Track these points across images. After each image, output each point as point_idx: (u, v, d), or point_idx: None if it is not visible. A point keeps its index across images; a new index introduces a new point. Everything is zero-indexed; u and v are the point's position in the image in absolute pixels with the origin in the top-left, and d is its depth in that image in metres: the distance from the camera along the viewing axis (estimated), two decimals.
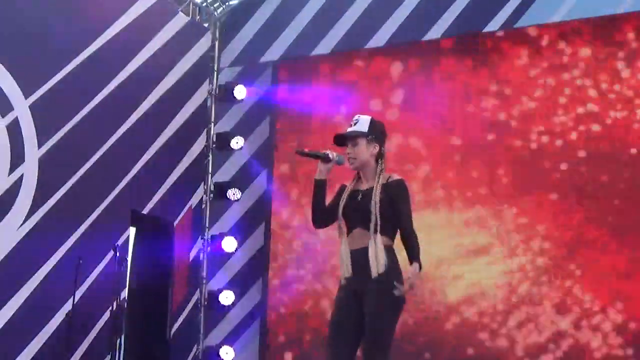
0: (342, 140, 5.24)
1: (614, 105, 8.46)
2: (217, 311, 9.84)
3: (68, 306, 7.66)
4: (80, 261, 7.71)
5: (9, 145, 7.63)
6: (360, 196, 5.15)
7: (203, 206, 10.06)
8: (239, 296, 9.85)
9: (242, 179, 10.10)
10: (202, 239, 9.98)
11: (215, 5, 10.33)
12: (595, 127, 8.51)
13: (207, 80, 10.20)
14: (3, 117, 7.61)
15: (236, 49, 10.17)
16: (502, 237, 8.69)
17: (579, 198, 8.49)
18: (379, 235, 5.02)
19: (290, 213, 9.73)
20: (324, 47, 9.58)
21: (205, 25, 10.28)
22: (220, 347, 9.73)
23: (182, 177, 9.66)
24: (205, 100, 10.16)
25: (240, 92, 10.09)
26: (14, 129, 7.69)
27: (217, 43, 10.27)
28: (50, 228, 7.93)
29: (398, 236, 5.07)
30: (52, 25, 8.08)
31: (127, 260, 8.68)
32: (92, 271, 8.32)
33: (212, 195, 10.07)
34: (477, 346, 8.67)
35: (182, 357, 9.56)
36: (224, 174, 10.16)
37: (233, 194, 9.92)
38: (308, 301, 9.47)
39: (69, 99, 8.24)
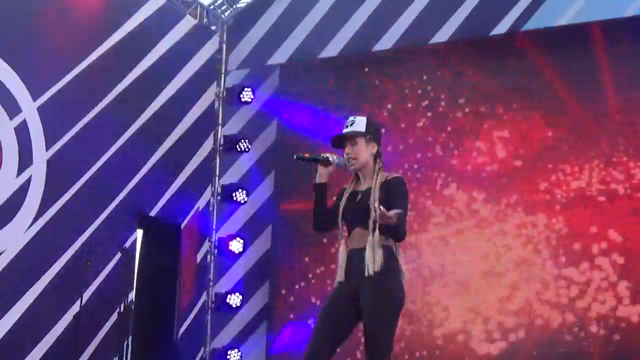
0: (339, 141, 5.26)
1: None
2: (224, 313, 9.84)
3: (76, 308, 7.66)
4: (88, 263, 7.73)
5: (17, 147, 7.65)
6: (359, 196, 5.16)
7: (210, 208, 10.05)
8: (246, 298, 9.86)
9: (249, 181, 10.12)
10: (209, 241, 9.98)
11: (222, 8, 10.33)
12: None
13: (215, 82, 10.20)
14: (11, 119, 7.63)
15: (243, 52, 10.17)
16: None
17: None
18: (377, 233, 5.01)
19: None
20: (331, 50, 9.57)
21: (213, 28, 10.29)
22: (227, 349, 9.74)
23: (190, 179, 9.66)
24: (213, 103, 10.16)
25: (247, 94, 10.11)
26: (22, 131, 7.71)
27: (224, 46, 10.26)
28: (58, 230, 7.95)
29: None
30: (60, 27, 8.10)
31: (134, 263, 8.70)
32: (100, 273, 8.34)
33: (219, 197, 10.07)
34: None
35: (189, 359, 9.57)
36: (231, 176, 10.16)
37: (240, 196, 9.93)
38: (316, 303, 9.48)
39: (77, 101, 8.26)
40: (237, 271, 10.01)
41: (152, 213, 9.15)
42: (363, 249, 5.03)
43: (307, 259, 9.72)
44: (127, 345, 8.18)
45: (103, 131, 8.53)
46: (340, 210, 5.19)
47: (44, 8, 8.01)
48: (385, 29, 9.27)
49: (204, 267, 9.91)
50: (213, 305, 9.86)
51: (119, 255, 8.22)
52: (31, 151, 7.80)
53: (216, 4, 10.29)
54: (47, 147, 7.94)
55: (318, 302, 9.43)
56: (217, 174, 10.12)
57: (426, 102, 9.46)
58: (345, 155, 5.21)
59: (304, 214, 9.59)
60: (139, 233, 9.01)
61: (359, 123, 5.22)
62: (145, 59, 9.08)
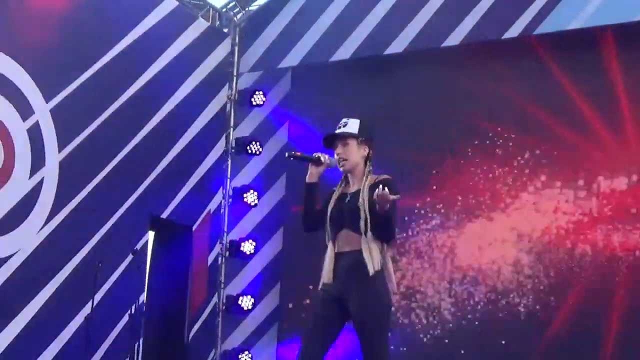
0: (332, 141, 5.28)
1: None
2: (235, 315, 9.86)
3: (87, 309, 7.69)
4: (100, 265, 7.74)
5: (29, 148, 7.68)
6: (348, 198, 5.18)
7: (222, 211, 10.07)
8: (257, 301, 9.87)
9: (260, 184, 10.13)
10: (220, 243, 9.99)
11: (235, 11, 10.36)
12: None
13: (227, 85, 10.22)
14: (24, 121, 7.66)
15: (255, 55, 10.18)
16: None
17: None
18: (370, 233, 5.03)
19: None
20: (343, 53, 9.57)
21: (225, 30, 10.31)
22: (238, 351, 9.75)
23: (201, 181, 9.69)
24: (225, 106, 10.19)
25: (259, 97, 10.13)
26: (34, 133, 7.74)
27: (236, 48, 10.28)
28: (70, 231, 7.97)
29: None
30: (73, 29, 8.12)
31: (146, 264, 8.72)
32: (111, 275, 8.36)
33: (230, 199, 10.09)
34: None
35: None
36: (243, 178, 10.17)
37: (251, 198, 9.94)
38: None
39: (89, 103, 8.28)
40: (249, 273, 10.02)
41: (164, 215, 9.17)
42: (349, 252, 5.08)
43: (318, 261, 9.69)
44: (138, 347, 8.19)
45: (115, 133, 8.55)
46: (328, 211, 5.21)
47: (57, 11, 8.03)
48: (398, 32, 9.27)
49: (215, 270, 9.92)
50: (224, 307, 9.88)
51: (130, 257, 8.24)
52: (44, 153, 7.82)
53: (228, 6, 10.32)
54: (60, 149, 7.97)
55: None
56: (229, 176, 10.14)
57: (438, 105, 9.44)
58: (335, 155, 5.25)
59: None
60: (151, 235, 9.04)
61: (352, 125, 5.26)
62: (157, 61, 9.10)
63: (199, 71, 9.69)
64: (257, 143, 10.05)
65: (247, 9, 10.34)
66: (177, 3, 9.40)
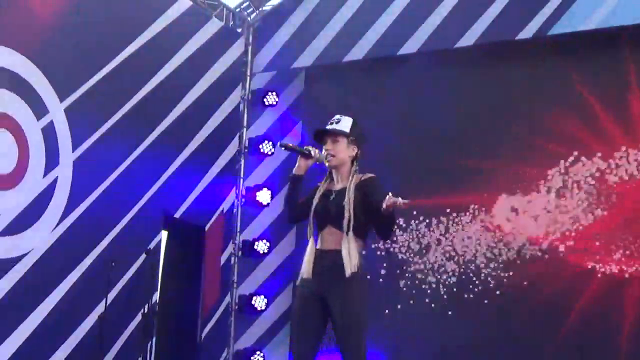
0: (322, 136, 5.32)
1: None
2: (247, 315, 9.87)
3: (100, 308, 7.71)
4: (113, 264, 7.78)
5: (44, 147, 7.70)
6: (333, 196, 5.22)
7: (235, 210, 10.09)
8: (270, 300, 9.87)
9: (273, 184, 10.14)
10: (233, 243, 10.01)
11: (248, 11, 10.37)
12: None
13: (240, 85, 10.24)
14: (38, 120, 7.68)
15: (269, 55, 10.19)
16: None
17: None
18: (352, 234, 5.08)
19: None
20: (357, 53, 9.57)
21: (239, 30, 10.32)
22: (250, 351, 9.76)
23: (214, 181, 9.71)
24: (238, 105, 10.20)
25: (272, 97, 10.15)
26: (49, 132, 7.76)
27: (250, 48, 10.29)
28: (83, 231, 7.99)
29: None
30: (87, 29, 8.14)
31: (159, 264, 8.74)
32: (125, 274, 8.38)
33: (243, 199, 10.10)
34: None
35: None
36: (256, 178, 10.19)
37: (265, 198, 9.95)
38: None
39: (103, 102, 8.31)
40: (261, 273, 10.03)
41: (177, 215, 9.19)
42: (332, 251, 5.12)
43: None
44: (151, 346, 8.21)
45: (129, 132, 8.57)
46: (313, 207, 5.24)
47: (71, 10, 8.05)
48: (411, 32, 9.26)
49: (228, 269, 9.94)
50: (237, 307, 9.89)
51: (143, 256, 8.27)
52: (58, 152, 7.85)
53: (242, 6, 10.33)
54: (74, 148, 7.99)
55: None
56: (242, 176, 10.15)
57: (452, 105, 9.42)
58: (324, 150, 5.29)
59: None
60: (164, 234, 9.05)
61: (345, 123, 5.32)
62: (171, 61, 9.12)
63: (212, 71, 9.71)
64: (270, 143, 10.06)
65: (260, 9, 10.35)
66: (191, 3, 9.42)
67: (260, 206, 10.02)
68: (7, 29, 7.43)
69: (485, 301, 8.91)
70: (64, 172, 7.89)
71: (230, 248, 9.98)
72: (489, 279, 8.94)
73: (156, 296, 8.53)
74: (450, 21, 9.10)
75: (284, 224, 10.10)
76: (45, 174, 7.71)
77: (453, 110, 9.35)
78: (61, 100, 7.90)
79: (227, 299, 9.89)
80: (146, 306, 8.03)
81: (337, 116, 5.37)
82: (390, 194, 4.85)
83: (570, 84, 8.74)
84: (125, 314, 8.36)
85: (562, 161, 8.76)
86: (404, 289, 9.33)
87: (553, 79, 8.90)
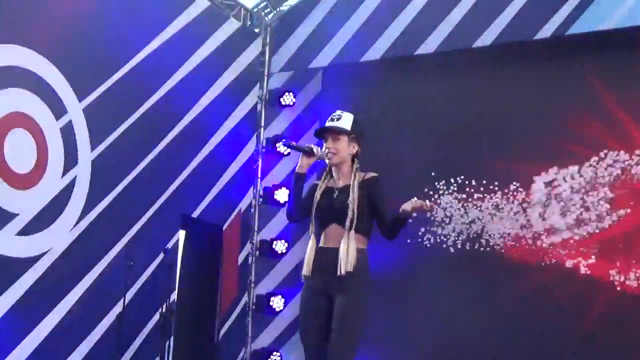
0: (323, 133, 5.34)
1: None
2: (265, 315, 9.87)
3: (119, 308, 7.75)
4: (131, 263, 7.80)
5: (62, 147, 7.73)
6: (336, 193, 5.23)
7: (252, 210, 10.10)
8: (287, 300, 9.87)
9: (291, 183, 10.11)
10: (250, 243, 10.02)
11: (266, 11, 10.38)
12: None
13: (257, 85, 10.26)
14: (57, 119, 7.71)
15: (286, 55, 10.20)
16: None
17: None
18: (353, 232, 5.10)
19: None
20: (374, 53, 9.56)
21: (256, 30, 10.33)
22: (268, 351, 9.77)
23: (232, 181, 9.73)
24: (255, 105, 10.22)
25: (289, 98, 10.16)
26: (67, 132, 7.79)
27: (267, 48, 10.31)
28: (102, 230, 8.02)
29: None
30: (105, 29, 8.17)
31: (176, 263, 8.76)
32: (143, 273, 8.41)
33: (261, 199, 10.11)
34: None
35: None
36: (273, 178, 10.19)
37: (282, 197, 9.95)
38: None
39: (122, 102, 8.33)
40: (279, 273, 10.03)
41: (195, 214, 9.21)
42: (332, 249, 5.12)
43: None
44: (169, 345, 8.23)
45: (147, 132, 8.60)
46: (315, 205, 5.26)
47: (90, 10, 8.08)
48: (429, 32, 9.24)
49: (246, 269, 9.95)
50: (254, 307, 9.90)
51: (161, 255, 8.29)
52: (76, 151, 7.87)
53: (260, 6, 10.34)
54: (92, 148, 8.02)
55: None
56: (259, 175, 10.16)
57: (469, 106, 9.40)
58: (324, 148, 5.30)
59: None
60: (182, 234, 9.07)
61: (346, 120, 5.35)
62: (189, 61, 9.15)
63: (230, 71, 9.74)
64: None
65: (278, 9, 10.36)
66: (209, 3, 9.44)
67: (278, 205, 10.02)
68: (26, 29, 7.45)
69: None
70: (83, 172, 7.92)
71: (247, 247, 9.99)
72: None
73: (174, 296, 8.55)
74: (468, 21, 9.08)
75: (301, 224, 10.07)
76: (63, 174, 7.74)
77: (471, 110, 9.33)
78: (80, 100, 7.92)
79: (245, 298, 9.91)
80: (164, 306, 8.04)
81: (338, 112, 5.39)
82: (415, 198, 4.90)
83: (588, 84, 8.71)
84: (143, 313, 8.39)
85: (582, 162, 8.73)
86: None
87: (572, 79, 8.87)
